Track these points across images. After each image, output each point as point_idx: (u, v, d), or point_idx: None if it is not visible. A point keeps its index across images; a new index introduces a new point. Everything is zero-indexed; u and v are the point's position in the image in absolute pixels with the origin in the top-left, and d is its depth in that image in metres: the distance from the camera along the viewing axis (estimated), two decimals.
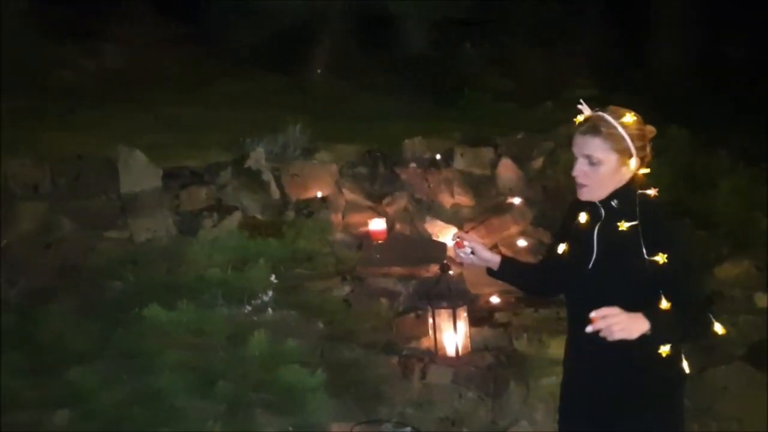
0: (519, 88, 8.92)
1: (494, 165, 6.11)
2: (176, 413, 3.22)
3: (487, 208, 5.68)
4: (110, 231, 5.01)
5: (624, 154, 2.19)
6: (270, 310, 4.12)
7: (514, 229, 5.44)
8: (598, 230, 2.24)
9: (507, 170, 5.99)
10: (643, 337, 2.05)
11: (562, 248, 2.35)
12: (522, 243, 5.33)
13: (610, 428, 2.29)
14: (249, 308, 4.04)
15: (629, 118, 2.20)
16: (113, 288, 4.43)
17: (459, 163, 6.05)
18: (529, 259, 5.25)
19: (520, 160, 6.21)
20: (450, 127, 7.01)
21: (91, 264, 4.67)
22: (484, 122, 7.50)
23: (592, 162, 2.19)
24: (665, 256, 2.09)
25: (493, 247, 5.41)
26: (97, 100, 7.15)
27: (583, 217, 2.28)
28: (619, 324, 2.01)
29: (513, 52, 8.93)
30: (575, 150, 2.23)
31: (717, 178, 5.41)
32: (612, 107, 2.23)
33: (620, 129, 2.18)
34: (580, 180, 2.23)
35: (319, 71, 9.26)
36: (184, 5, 9.47)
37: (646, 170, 2.26)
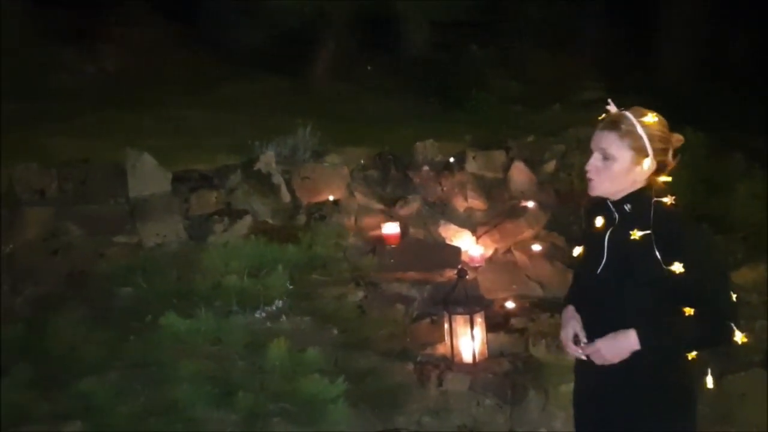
0: (527, 91, 8.87)
1: (506, 168, 6.05)
2: (194, 425, 3.14)
3: (500, 211, 5.61)
4: (119, 236, 4.95)
5: (639, 153, 2.16)
6: (285, 317, 4.04)
7: (527, 233, 5.37)
8: (610, 235, 2.22)
9: (519, 173, 5.92)
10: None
11: (578, 251, 2.35)
12: (536, 248, 5.26)
13: None
14: (264, 316, 3.96)
15: (651, 118, 2.18)
16: (124, 295, 4.35)
17: (471, 166, 5.99)
18: (545, 264, 5.20)
19: (532, 164, 6.15)
20: (459, 129, 6.96)
21: (100, 270, 4.60)
22: (492, 125, 7.46)
23: (606, 157, 2.18)
24: (682, 265, 2.06)
25: (508, 251, 5.36)
26: (100, 104, 7.08)
27: (599, 221, 2.27)
28: (601, 357, 2.14)
29: (520, 54, 8.89)
30: (592, 145, 2.23)
31: (733, 182, 5.34)
32: (636, 107, 2.21)
33: (639, 127, 2.15)
34: (590, 175, 2.22)
35: (324, 73, 9.20)
36: (185, 7, 9.42)
37: (667, 178, 2.21)
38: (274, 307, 4.16)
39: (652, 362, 2.14)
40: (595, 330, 2.23)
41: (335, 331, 4.27)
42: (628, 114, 2.17)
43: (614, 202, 2.24)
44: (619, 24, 9.33)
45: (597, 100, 8.91)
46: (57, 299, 4.34)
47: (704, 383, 2.22)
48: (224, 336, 3.57)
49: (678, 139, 2.23)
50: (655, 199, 2.17)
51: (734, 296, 2.13)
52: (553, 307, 4.77)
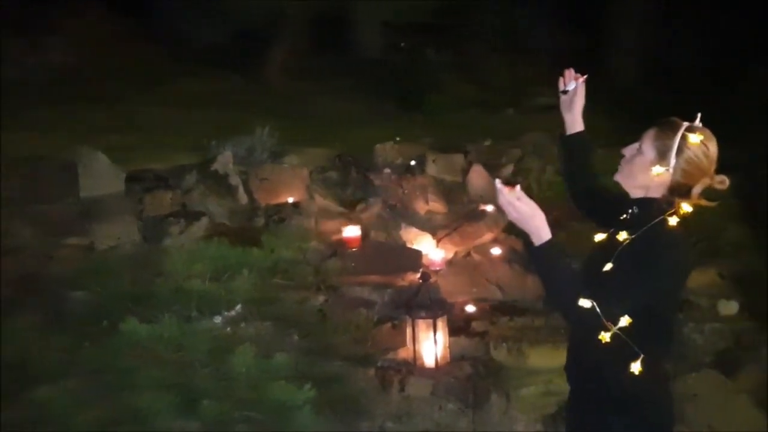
0: (482, 95, 8.95)
1: (465, 172, 6.09)
2: None
3: (460, 215, 5.64)
4: (70, 238, 4.80)
5: (660, 158, 2.12)
6: (246, 322, 3.97)
7: (487, 236, 5.41)
8: (612, 231, 2.22)
9: (478, 177, 5.96)
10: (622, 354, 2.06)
11: (599, 237, 2.30)
12: (496, 251, 5.30)
13: None
14: (225, 321, 3.88)
15: (695, 138, 2.09)
16: (77, 299, 4.21)
17: (431, 169, 6.00)
18: (505, 267, 5.25)
19: (490, 167, 6.19)
20: (417, 132, 6.98)
21: (51, 273, 4.43)
22: (448, 128, 7.50)
23: (639, 147, 2.18)
24: (616, 264, 2.06)
25: (467, 255, 5.39)
26: (49, 99, 6.85)
27: (623, 215, 2.25)
28: (514, 211, 2.02)
29: (475, 58, 8.96)
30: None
31: None
32: (701, 126, 2.14)
33: (676, 137, 2.10)
34: (621, 161, 2.23)
35: (281, 72, 9.11)
36: (139, 1, 9.22)
37: (688, 208, 2.09)
38: (234, 312, 4.07)
39: (619, 346, 2.07)
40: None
41: (296, 337, 4.23)
42: (683, 123, 2.13)
43: (630, 201, 2.24)
44: (572, 30, 9.50)
45: (551, 106, 9.11)
46: (6, 304, 4.16)
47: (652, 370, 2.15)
48: (186, 342, 3.48)
49: (721, 180, 2.13)
50: (663, 216, 2.10)
51: (623, 314, 2.02)
52: (512, 310, 4.83)
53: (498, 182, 2.07)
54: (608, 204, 2.39)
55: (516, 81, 8.85)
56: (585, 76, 2.45)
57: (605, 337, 2.04)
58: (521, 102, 8.71)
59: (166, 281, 4.01)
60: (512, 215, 2.05)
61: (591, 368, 2.23)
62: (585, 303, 2.01)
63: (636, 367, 2.10)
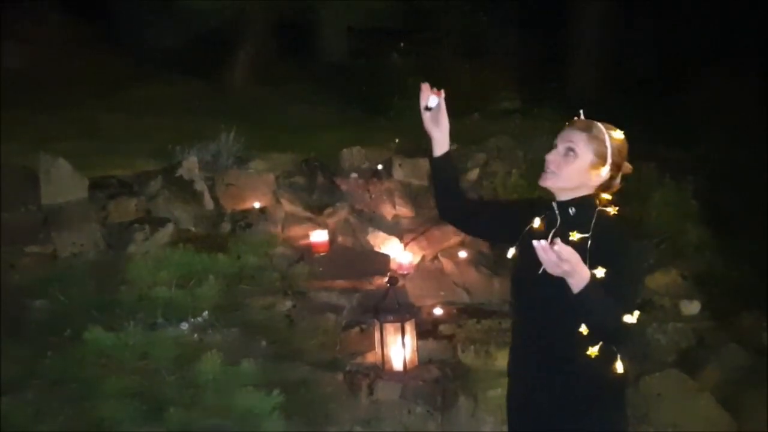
0: (447, 99, 8.97)
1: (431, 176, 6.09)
2: None
3: (427, 219, 5.66)
4: (31, 246, 4.69)
5: (600, 159, 2.26)
6: (213, 329, 3.93)
7: (454, 240, 5.43)
8: (551, 237, 2.20)
9: None
10: (577, 338, 2.15)
11: (512, 252, 2.38)
12: (463, 254, 5.33)
13: None
14: (191, 328, 3.84)
15: (619, 134, 2.30)
16: (39, 308, 4.12)
17: (398, 173, 6.01)
18: (471, 271, 5.28)
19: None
20: (383, 136, 6.98)
21: (12, 282, 4.34)
22: (414, 132, 7.49)
23: (570, 151, 2.26)
24: (606, 270, 2.11)
25: (435, 258, 5.42)
26: (7, 104, 6.67)
27: (536, 222, 2.32)
28: (568, 268, 2.00)
29: (439, 63, 8.98)
30: (558, 139, 2.31)
31: (648, 191, 5.58)
32: (606, 123, 2.31)
33: (607, 137, 2.26)
34: (550, 166, 2.29)
35: (244, 77, 9.04)
36: (97, 4, 9.08)
37: (609, 196, 2.31)
38: (200, 319, 4.04)
39: (586, 364, 2.19)
40: (543, 328, 2.27)
41: (264, 343, 4.20)
42: (599, 123, 2.28)
43: (559, 204, 2.31)
44: (535, 36, 9.61)
45: (514, 110, 9.21)
46: None
47: (615, 368, 2.26)
48: (152, 350, 3.43)
49: (628, 167, 2.35)
50: (600, 207, 2.26)
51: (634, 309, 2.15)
52: (480, 312, 4.87)
53: (540, 245, 1.97)
54: (495, 219, 2.50)
55: (481, 85, 8.90)
56: (442, 92, 2.41)
57: (594, 351, 2.17)
58: (486, 106, 8.78)
59: (131, 289, 3.95)
60: (564, 269, 1.98)
61: (561, 368, 2.26)
62: (630, 318, 2.10)
63: (620, 366, 2.24)
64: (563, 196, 2.30)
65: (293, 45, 9.65)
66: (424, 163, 6.28)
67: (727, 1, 8.64)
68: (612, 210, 2.27)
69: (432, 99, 2.39)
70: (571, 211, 2.27)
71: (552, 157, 2.29)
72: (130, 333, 3.43)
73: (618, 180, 2.33)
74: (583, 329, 2.15)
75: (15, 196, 4.97)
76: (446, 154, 2.47)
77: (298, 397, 3.76)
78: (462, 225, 2.69)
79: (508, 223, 2.40)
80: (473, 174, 6.29)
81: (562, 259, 1.97)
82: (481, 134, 7.28)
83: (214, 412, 3.14)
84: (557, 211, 2.30)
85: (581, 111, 2.36)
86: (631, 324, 2.11)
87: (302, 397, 3.74)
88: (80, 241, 4.71)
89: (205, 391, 3.23)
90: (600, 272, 2.10)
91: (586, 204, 2.27)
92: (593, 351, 2.18)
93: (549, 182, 2.30)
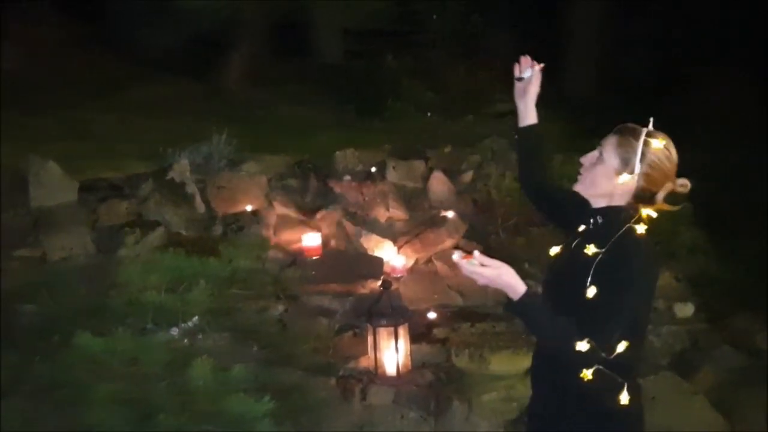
0: (441, 101, 8.99)
1: (426, 178, 6.09)
2: None
3: (420, 221, 5.63)
4: (20, 250, 4.67)
5: (624, 165, 2.09)
6: (203, 334, 3.89)
7: (448, 243, 5.41)
8: (576, 243, 2.17)
9: (438, 183, 5.97)
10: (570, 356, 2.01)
11: (555, 251, 2.27)
12: (456, 257, 5.30)
13: None
14: (182, 333, 3.80)
15: (658, 143, 2.08)
16: (27, 313, 4.08)
17: (392, 176, 5.99)
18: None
19: (450, 174, 6.21)
20: (377, 138, 6.96)
21: (1, 286, 4.28)
22: (408, 134, 7.50)
23: (599, 155, 2.13)
24: (596, 292, 2.01)
25: (428, 261, 5.39)
26: None
27: (581, 226, 2.21)
28: (481, 278, 2.01)
29: (435, 65, 8.99)
30: (600, 141, 2.21)
31: None
32: (660, 132, 2.12)
33: (640, 143, 2.07)
34: (581, 169, 2.19)
35: (238, 78, 9.00)
36: (90, 5, 9.04)
37: (653, 213, 2.10)
38: (191, 324, 3.99)
39: (581, 387, 2.06)
40: None
41: (256, 347, 4.16)
42: (642, 129, 2.10)
43: (591, 211, 2.19)
44: (529, 38, 9.59)
45: (508, 112, 9.19)
46: None
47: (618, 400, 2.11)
48: (142, 355, 3.39)
49: (683, 184, 2.12)
50: (629, 224, 2.08)
51: (617, 336, 2.00)
52: (474, 315, 4.84)
53: (455, 256, 2.05)
54: (566, 208, 2.35)
55: (475, 87, 8.90)
56: (542, 65, 2.46)
57: (587, 374, 2.02)
58: (480, 108, 8.77)
59: (121, 293, 3.92)
60: (481, 282, 2.03)
61: (565, 376, 2.14)
62: (582, 346, 1.96)
63: (625, 398, 2.08)
64: (595, 203, 2.17)
65: (287, 46, 9.62)
66: (418, 165, 6.28)
67: (722, 3, 8.65)
68: (642, 229, 2.06)
69: (527, 71, 2.42)
70: (599, 219, 2.15)
71: (584, 160, 2.18)
72: (119, 338, 3.39)
73: (661, 195, 2.09)
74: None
75: (4, 199, 4.93)
76: (529, 126, 2.48)
77: (290, 402, 3.73)
78: (537, 201, 2.54)
79: (574, 216, 2.26)
80: (467, 176, 6.28)
81: (478, 272, 1.98)
82: (476, 136, 7.28)
83: (205, 418, 3.10)
84: (591, 218, 2.17)
85: (651, 119, 2.15)
86: (587, 352, 1.95)
87: (295, 402, 3.70)
88: (70, 245, 4.69)
89: (196, 396, 3.20)
90: (591, 291, 2.01)
91: (612, 215, 2.12)
92: (586, 374, 2.03)
93: (577, 186, 2.20)
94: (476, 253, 2.02)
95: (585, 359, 1.99)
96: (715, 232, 5.84)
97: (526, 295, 2.00)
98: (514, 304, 2.03)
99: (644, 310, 2.15)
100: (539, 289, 2.37)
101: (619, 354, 2.01)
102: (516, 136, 2.55)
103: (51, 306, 4.06)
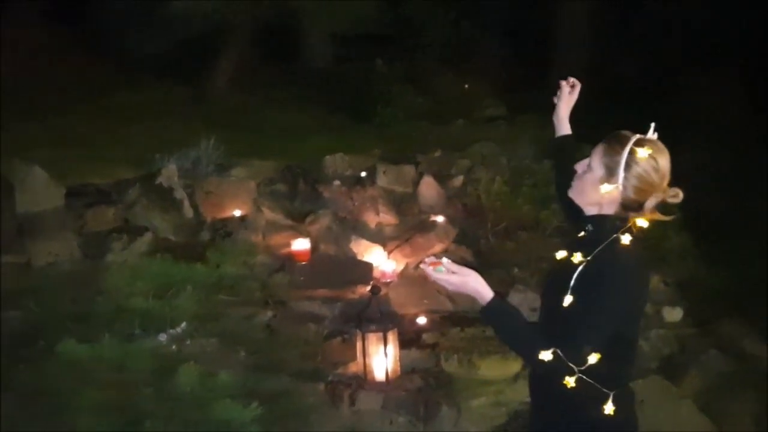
0: (431, 106, 9.01)
1: (416, 183, 6.09)
2: None
3: (410, 226, 5.63)
4: (6, 255, 4.60)
5: (609, 174, 2.04)
6: (191, 340, 3.86)
7: (438, 247, 5.40)
8: (572, 251, 2.13)
9: (428, 188, 5.96)
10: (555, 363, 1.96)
11: (560, 255, 2.19)
12: (424, 264, 5.29)
13: None
14: (169, 339, 3.77)
15: (645, 152, 2.00)
16: (12, 319, 4.03)
17: (382, 180, 5.98)
18: None
19: (440, 178, 6.21)
20: (367, 143, 6.96)
21: None
22: (398, 139, 7.51)
23: (589, 163, 2.11)
24: (571, 301, 1.99)
25: (418, 266, 5.37)
26: None
27: (581, 233, 2.18)
28: (448, 284, 2.06)
29: (425, 70, 9.01)
30: None
31: None
32: (652, 138, 2.05)
33: (624, 152, 2.02)
34: (574, 177, 2.17)
35: (226, 83, 8.98)
36: (76, 9, 8.99)
37: (644, 222, 2.04)
38: (178, 330, 3.96)
39: (564, 394, 2.01)
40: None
41: (244, 353, 4.14)
42: (633, 137, 2.03)
43: (585, 218, 2.16)
44: (519, 43, 9.66)
45: (498, 117, 9.23)
46: None
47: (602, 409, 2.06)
48: (128, 362, 3.36)
49: (674, 194, 2.06)
50: (616, 234, 2.04)
51: (591, 351, 1.96)
52: (463, 320, 4.83)
53: (423, 265, 2.09)
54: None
55: (464, 93, 8.93)
56: (576, 85, 2.57)
57: (570, 382, 1.96)
58: (471, 113, 8.80)
59: (107, 299, 3.89)
60: (449, 289, 2.08)
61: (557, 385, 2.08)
62: (546, 355, 1.94)
63: (609, 408, 2.03)
64: (587, 211, 2.14)
65: (277, 51, 9.62)
66: (408, 170, 6.28)
67: (712, 7, 8.71)
68: (628, 239, 2.02)
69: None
70: (589, 227, 2.12)
71: (577, 167, 2.15)
72: (106, 345, 3.36)
73: (651, 204, 2.04)
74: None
75: None
76: (562, 137, 2.54)
77: (278, 408, 3.71)
78: (569, 212, 2.41)
79: None
80: (457, 180, 6.29)
81: (445, 279, 2.02)
82: (466, 141, 7.31)
83: (193, 424, 3.07)
84: (584, 226, 2.15)
85: (652, 125, 2.07)
86: (550, 362, 1.93)
87: (283, 408, 3.68)
88: (56, 251, 4.64)
89: (183, 403, 3.17)
90: (568, 300, 1.99)
91: (600, 224, 2.09)
92: (568, 381, 1.97)
93: (570, 193, 2.18)
94: (445, 260, 2.06)
95: (551, 369, 1.97)
96: (704, 237, 5.86)
97: (493, 301, 2.03)
98: (481, 310, 2.05)
99: (627, 321, 2.09)
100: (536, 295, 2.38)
101: (594, 365, 1.96)
102: (549, 146, 2.64)
103: (37, 312, 4.02)
